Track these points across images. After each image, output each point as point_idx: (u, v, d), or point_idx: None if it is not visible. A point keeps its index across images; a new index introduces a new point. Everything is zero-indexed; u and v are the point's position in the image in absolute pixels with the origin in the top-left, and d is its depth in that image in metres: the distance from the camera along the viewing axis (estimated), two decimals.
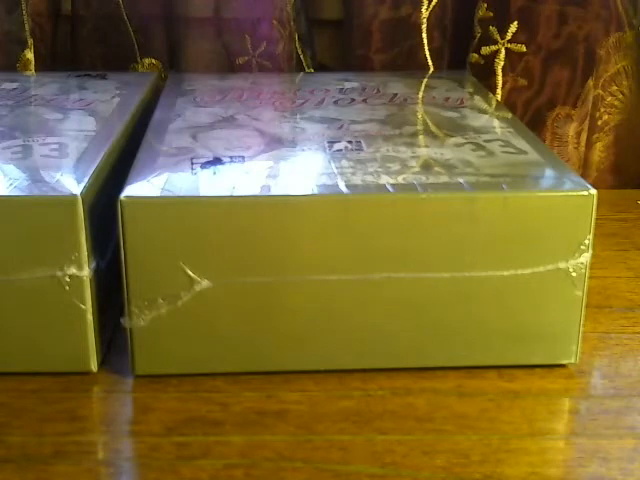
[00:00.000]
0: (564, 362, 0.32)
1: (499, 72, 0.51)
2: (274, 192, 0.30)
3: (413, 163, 0.33)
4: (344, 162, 0.33)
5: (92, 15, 0.53)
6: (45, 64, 0.53)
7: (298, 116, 0.40)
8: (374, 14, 0.51)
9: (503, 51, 0.50)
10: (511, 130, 0.38)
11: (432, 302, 0.31)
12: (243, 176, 0.31)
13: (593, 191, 0.31)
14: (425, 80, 0.48)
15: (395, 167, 0.32)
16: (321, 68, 0.55)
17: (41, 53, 0.53)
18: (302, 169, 0.32)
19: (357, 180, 0.31)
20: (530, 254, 0.31)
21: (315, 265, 0.30)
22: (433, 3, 0.51)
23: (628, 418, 0.30)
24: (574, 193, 0.31)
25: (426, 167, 0.32)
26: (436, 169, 0.32)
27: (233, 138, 0.36)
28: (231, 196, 0.30)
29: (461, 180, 0.31)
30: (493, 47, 0.51)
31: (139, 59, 0.53)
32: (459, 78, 0.48)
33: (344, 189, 0.30)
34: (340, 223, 0.30)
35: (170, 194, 0.30)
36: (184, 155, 0.34)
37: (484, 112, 0.41)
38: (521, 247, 0.31)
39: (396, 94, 0.44)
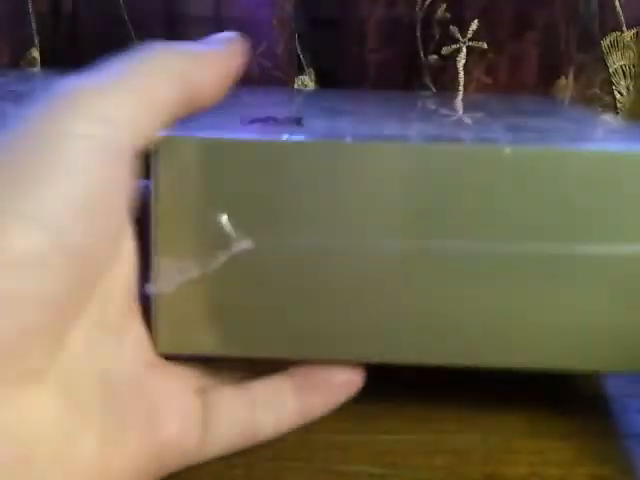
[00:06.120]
0: None
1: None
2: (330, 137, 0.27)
3: (499, 125, 0.30)
4: (425, 125, 0.30)
5: (93, 14, 0.53)
6: (49, 63, 0.53)
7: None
8: (369, 13, 0.51)
9: (464, 49, 0.50)
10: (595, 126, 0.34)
11: (502, 279, 0.26)
12: (299, 129, 0.28)
13: None
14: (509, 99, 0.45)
15: (482, 128, 0.30)
16: (321, 67, 0.55)
17: (45, 52, 0.53)
18: (375, 121, 0.30)
19: (432, 132, 0.28)
20: (630, 226, 0.26)
21: (376, 227, 0.26)
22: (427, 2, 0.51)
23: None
24: None
25: (514, 129, 0.29)
26: (524, 131, 0.29)
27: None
28: (281, 140, 0.26)
29: (554, 137, 0.27)
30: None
31: None
32: (547, 101, 0.46)
33: (415, 140, 0.27)
34: (406, 175, 0.26)
35: (211, 135, 0.26)
36: (232, 112, 0.30)
37: (568, 119, 0.37)
38: (620, 217, 0.26)
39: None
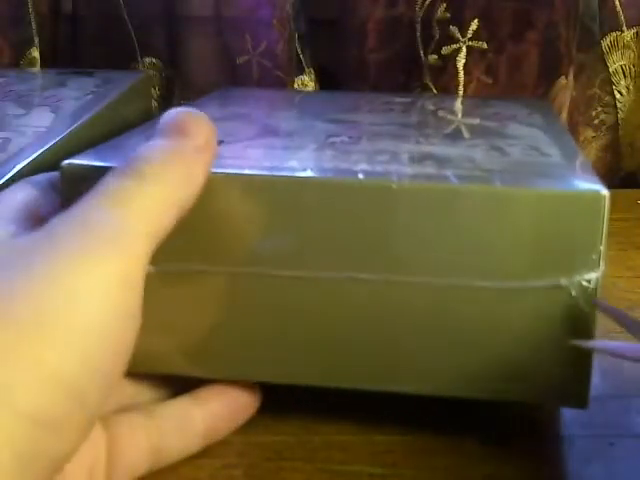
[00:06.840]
0: (570, 407, 0.28)
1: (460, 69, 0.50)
2: (221, 169, 0.26)
3: (405, 156, 0.28)
4: (328, 152, 0.29)
5: (93, 14, 0.53)
6: (49, 63, 0.53)
7: (320, 117, 0.35)
8: (369, 13, 0.51)
9: (464, 49, 0.50)
10: (551, 141, 0.32)
11: (397, 311, 0.26)
12: None
13: (604, 192, 0.25)
14: (493, 101, 0.43)
15: (381, 158, 0.28)
16: (321, 68, 0.55)
17: (45, 52, 0.53)
18: (273, 154, 0.29)
19: (328, 166, 0.27)
20: (522, 263, 0.25)
21: (266, 257, 0.26)
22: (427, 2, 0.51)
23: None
24: (578, 192, 0.25)
25: (417, 160, 0.28)
26: (427, 162, 0.28)
27: (229, 127, 0.33)
28: None
29: (449, 173, 0.26)
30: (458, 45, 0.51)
31: (140, 58, 0.54)
32: (536, 104, 0.42)
33: (303, 173, 0.26)
34: (290, 208, 0.26)
35: (111, 164, 0.26)
36: None
37: (532, 125, 0.35)
38: (511, 254, 0.25)
39: (446, 108, 0.41)
